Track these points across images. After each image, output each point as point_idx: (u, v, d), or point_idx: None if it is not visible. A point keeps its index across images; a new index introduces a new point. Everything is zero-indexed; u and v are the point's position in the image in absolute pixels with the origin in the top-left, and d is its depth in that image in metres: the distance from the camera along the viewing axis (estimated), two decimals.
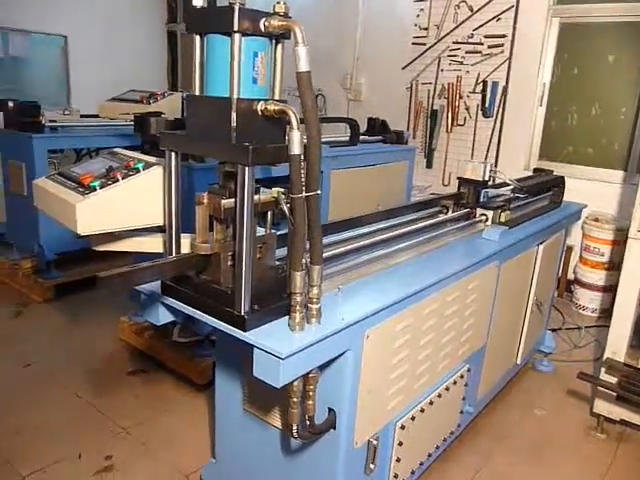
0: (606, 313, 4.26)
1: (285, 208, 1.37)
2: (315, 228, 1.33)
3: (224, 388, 1.93)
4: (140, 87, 4.55)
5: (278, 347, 1.28)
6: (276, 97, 1.37)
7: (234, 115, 1.25)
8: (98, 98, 4.59)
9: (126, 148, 1.97)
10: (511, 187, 2.77)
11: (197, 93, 1.35)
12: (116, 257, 1.99)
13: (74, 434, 2.49)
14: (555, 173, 3.38)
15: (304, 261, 1.33)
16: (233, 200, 1.36)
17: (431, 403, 2.00)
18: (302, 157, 1.26)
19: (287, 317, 1.41)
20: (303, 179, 1.27)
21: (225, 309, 1.36)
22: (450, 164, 5.15)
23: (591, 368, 3.43)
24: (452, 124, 5.10)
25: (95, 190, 1.50)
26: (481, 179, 2.52)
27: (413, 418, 1.90)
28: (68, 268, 4.15)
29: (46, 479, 2.22)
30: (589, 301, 4.27)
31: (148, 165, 1.61)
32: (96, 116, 4.41)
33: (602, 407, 2.74)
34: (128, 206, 1.54)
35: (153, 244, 1.71)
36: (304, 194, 1.27)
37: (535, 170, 3.54)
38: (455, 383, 2.16)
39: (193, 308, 1.43)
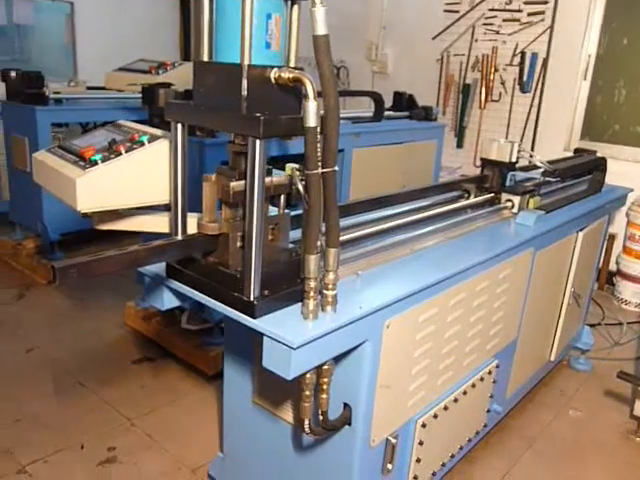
0: None
1: (300, 186, 1.35)
2: (332, 207, 1.30)
3: (233, 379, 1.94)
4: (151, 57, 4.54)
5: (289, 336, 1.26)
6: (291, 64, 1.34)
7: (245, 83, 1.23)
8: (106, 69, 4.60)
9: (135, 122, 1.96)
10: (542, 170, 2.68)
11: (205, 59, 1.33)
12: (123, 236, 2.00)
13: (76, 423, 2.53)
14: (599, 154, 3.30)
15: (319, 244, 1.31)
16: (243, 182, 1.34)
17: (455, 400, 1.98)
18: (319, 130, 1.24)
19: (300, 304, 1.40)
20: (319, 154, 1.24)
21: (233, 294, 1.35)
22: (483, 144, 5.06)
23: (632, 367, 3.37)
24: (486, 100, 5.00)
25: (97, 164, 1.49)
26: (507, 160, 2.41)
27: (435, 416, 1.88)
28: (73, 249, 4.20)
29: (47, 469, 2.26)
30: (632, 295, 4.19)
31: (154, 138, 1.59)
32: (104, 88, 4.42)
33: None
34: (132, 182, 1.53)
35: (158, 223, 1.70)
36: (320, 170, 1.25)
37: (576, 151, 3.46)
38: (482, 380, 2.13)
39: (199, 292, 1.43)
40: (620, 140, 4.45)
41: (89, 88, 4.52)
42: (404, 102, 4.50)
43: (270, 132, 1.22)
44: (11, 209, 4.33)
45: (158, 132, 1.64)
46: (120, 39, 6.24)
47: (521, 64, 4.75)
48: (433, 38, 5.26)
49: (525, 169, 2.72)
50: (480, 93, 5.02)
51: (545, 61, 4.66)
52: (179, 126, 1.39)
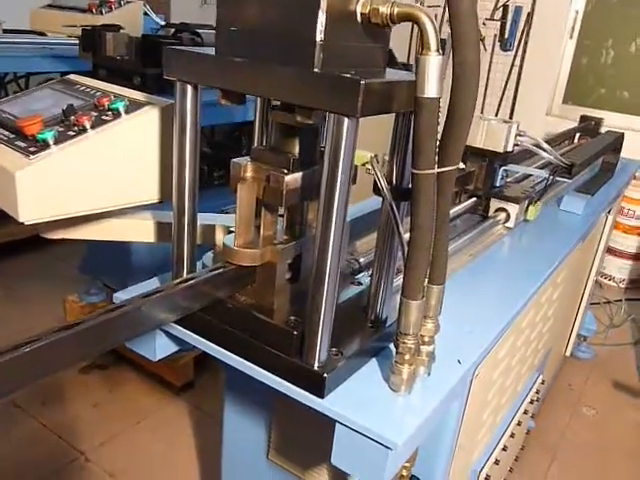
0: (636, 284, 4.00)
1: (383, 185, 0.87)
2: (443, 224, 0.83)
3: (238, 427, 1.46)
4: None
5: (386, 430, 0.80)
6: None
7: (322, 19, 0.72)
8: (20, 6, 3.76)
9: (67, 75, 1.41)
10: (543, 160, 2.00)
11: None
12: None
13: (9, 461, 1.98)
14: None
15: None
16: (299, 175, 0.84)
17: (512, 436, 1.61)
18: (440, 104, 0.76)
19: (373, 360, 0.95)
20: (437, 144, 0.77)
21: (285, 358, 0.86)
22: None
23: (632, 352, 3.16)
24: None
25: (48, 146, 0.95)
26: (502, 150, 1.58)
27: (497, 462, 1.50)
28: None
29: None
30: (617, 270, 3.98)
31: (134, 104, 1.05)
32: (25, 32, 3.63)
33: None
34: (104, 174, 1.00)
35: (135, 230, 1.18)
36: (436, 169, 0.77)
37: (582, 119, 3.09)
38: (532, 402, 1.77)
39: (226, 350, 0.92)
40: (605, 105, 4.16)
41: (6, 31, 3.70)
42: None
43: (371, 107, 0.71)
44: None
45: (137, 95, 1.10)
46: None
47: (503, 19, 4.33)
48: None
49: (514, 158, 1.79)
50: None
51: (530, 16, 4.26)
52: (189, 89, 0.85)
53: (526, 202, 1.72)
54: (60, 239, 1.18)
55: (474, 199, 1.69)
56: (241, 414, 1.45)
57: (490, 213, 1.69)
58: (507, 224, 1.67)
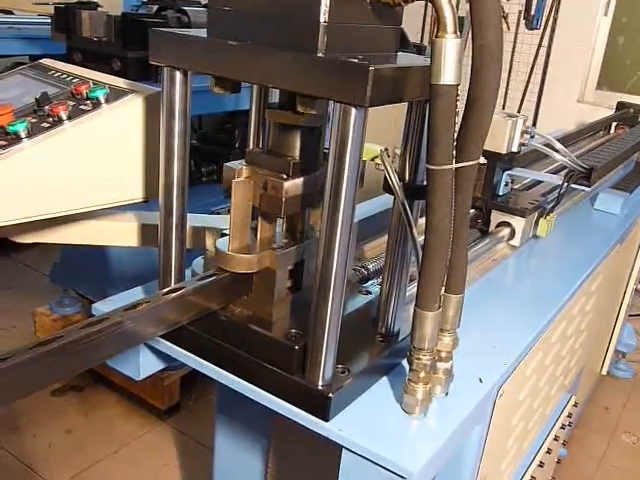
0: None
1: (395, 181, 0.88)
2: (462, 225, 0.85)
3: (231, 455, 1.48)
4: None
5: (398, 457, 0.82)
6: None
7: None
8: None
9: (37, 58, 1.44)
10: (558, 163, 1.80)
11: None
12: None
13: None
14: None
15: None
16: (300, 181, 0.86)
17: (541, 465, 1.62)
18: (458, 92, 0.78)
19: (384, 378, 0.96)
20: (455, 136, 0.78)
21: (286, 376, 0.87)
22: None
23: None
24: None
25: (19, 140, 0.97)
26: (504, 150, 1.43)
27: None
28: None
29: None
30: None
31: (115, 93, 1.07)
32: None
33: None
34: (82, 170, 1.01)
35: (119, 233, 1.20)
36: (454, 165, 0.79)
37: (619, 106, 3.12)
38: (563, 427, 1.78)
39: (217, 366, 0.94)
40: None
41: None
42: None
43: (381, 95, 0.73)
44: None
45: (119, 82, 1.12)
46: None
47: None
48: None
49: (520, 160, 1.69)
50: None
51: None
52: (178, 76, 0.87)
53: (535, 214, 1.59)
54: (31, 243, 1.21)
55: (472, 211, 1.47)
56: (235, 440, 1.47)
57: (491, 228, 1.57)
58: (512, 242, 1.55)
